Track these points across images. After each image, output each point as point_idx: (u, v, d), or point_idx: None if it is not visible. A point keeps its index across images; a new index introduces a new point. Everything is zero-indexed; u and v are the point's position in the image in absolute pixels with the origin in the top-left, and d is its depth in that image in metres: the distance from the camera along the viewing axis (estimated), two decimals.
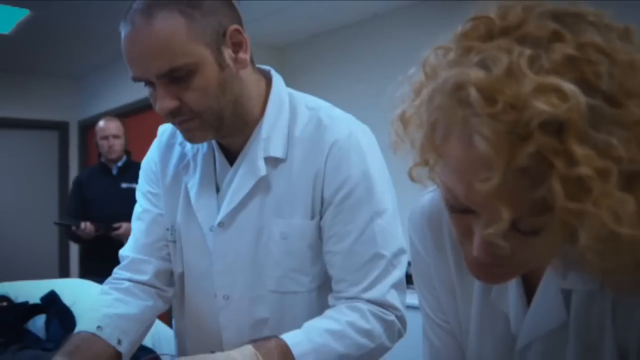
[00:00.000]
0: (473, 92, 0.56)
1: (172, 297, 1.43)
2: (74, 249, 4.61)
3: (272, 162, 1.24)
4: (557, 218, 0.57)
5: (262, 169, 1.22)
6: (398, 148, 0.72)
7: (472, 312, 0.91)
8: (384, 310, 1.20)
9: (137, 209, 1.41)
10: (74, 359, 1.11)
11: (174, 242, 1.35)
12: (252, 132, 1.25)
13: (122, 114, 5.72)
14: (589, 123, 0.55)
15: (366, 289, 1.19)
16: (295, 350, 1.10)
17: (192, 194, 1.30)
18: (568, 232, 0.59)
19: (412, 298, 3.05)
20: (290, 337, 1.12)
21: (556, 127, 0.54)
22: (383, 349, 1.23)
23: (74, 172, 6.11)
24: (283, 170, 1.23)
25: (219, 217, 1.26)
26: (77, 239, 3.98)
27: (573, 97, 0.54)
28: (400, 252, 1.23)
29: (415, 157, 0.71)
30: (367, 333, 1.17)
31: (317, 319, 1.19)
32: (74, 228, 3.84)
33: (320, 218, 1.23)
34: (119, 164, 4.01)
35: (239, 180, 1.25)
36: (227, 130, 1.22)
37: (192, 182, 1.31)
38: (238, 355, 1.03)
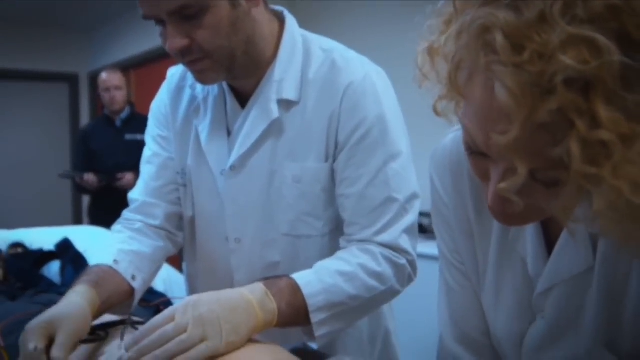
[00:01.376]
0: (499, 38, 0.53)
1: (182, 242, 1.44)
2: (87, 197, 4.67)
3: (285, 104, 1.22)
4: (573, 179, 0.54)
5: (274, 111, 1.21)
6: (423, 82, 0.69)
7: (490, 254, 0.89)
8: (396, 254, 1.20)
9: (147, 152, 1.40)
10: (99, 291, 1.11)
11: (185, 185, 1.35)
12: (264, 74, 1.23)
13: (131, 65, 5.71)
14: (622, 83, 0.50)
15: (378, 233, 1.19)
16: (305, 290, 1.10)
17: (203, 137, 1.29)
18: (585, 191, 0.56)
19: (427, 247, 3.07)
20: (301, 277, 1.12)
21: (583, 85, 0.50)
22: (393, 293, 1.24)
23: (84, 123, 6.12)
24: (296, 113, 1.22)
25: (231, 161, 1.25)
26: (82, 190, 4.03)
27: (606, 52, 0.49)
28: (413, 196, 1.22)
29: (440, 92, 0.68)
30: (377, 275, 1.17)
31: (328, 259, 1.18)
32: (77, 179, 3.89)
33: (334, 161, 1.22)
34: (123, 115, 4.00)
35: (251, 123, 1.24)
36: (239, 72, 1.20)
37: (203, 126, 1.30)
38: (248, 291, 1.03)
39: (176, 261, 4.42)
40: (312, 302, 1.10)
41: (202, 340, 0.93)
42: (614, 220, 0.56)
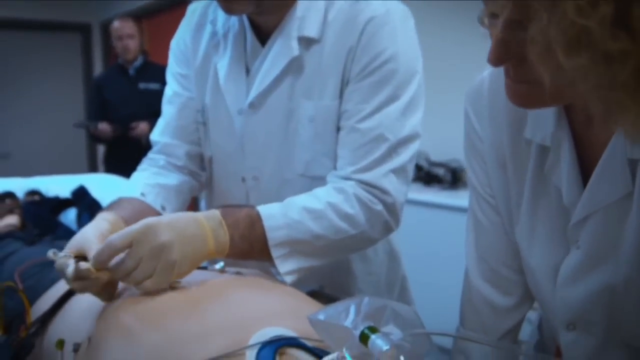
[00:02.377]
0: None
1: (204, 182, 1.44)
2: (102, 147, 4.69)
3: (305, 42, 1.20)
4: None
5: (295, 48, 1.20)
6: None
7: (525, 186, 0.89)
8: (372, 198, 1.16)
9: (167, 92, 1.39)
10: (123, 215, 1.12)
11: (204, 124, 1.35)
12: (288, 11, 1.21)
13: (144, 14, 5.65)
14: None
15: (361, 170, 1.17)
16: (267, 223, 1.09)
17: (221, 75, 1.28)
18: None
19: (448, 197, 3.03)
20: (265, 209, 1.11)
21: None
22: (367, 239, 1.21)
23: (97, 73, 6.11)
24: (315, 52, 1.20)
25: (250, 98, 1.24)
26: (97, 139, 4.05)
27: None
28: (409, 139, 1.19)
29: None
30: (348, 218, 1.14)
31: (300, 195, 1.17)
32: (91, 129, 3.90)
33: None
34: (136, 64, 3.98)
35: (271, 61, 1.22)
36: (267, 4, 1.18)
37: (222, 63, 1.28)
38: (204, 218, 1.02)
39: (192, 207, 4.45)
40: (272, 236, 1.09)
41: (154, 271, 0.94)
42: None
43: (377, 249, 1.39)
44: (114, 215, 1.11)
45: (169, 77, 1.39)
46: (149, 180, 1.29)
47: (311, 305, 0.99)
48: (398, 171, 1.18)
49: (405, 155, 1.19)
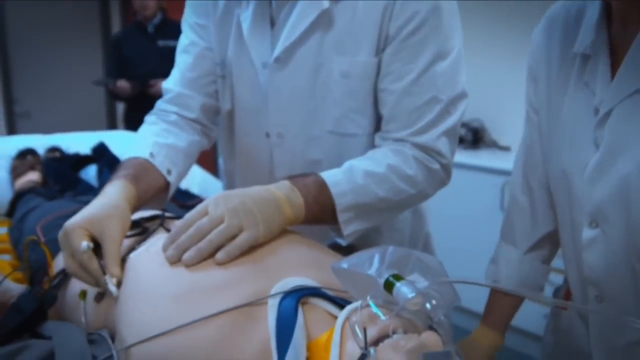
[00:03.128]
0: None
1: (215, 136, 1.42)
2: (121, 105, 4.69)
3: None
4: None
5: (324, 1, 1.15)
6: None
7: (567, 94, 0.98)
8: (429, 158, 1.17)
9: (183, 40, 1.35)
10: (138, 186, 1.11)
11: (224, 77, 1.31)
12: None
13: None
14: None
15: (416, 133, 1.16)
16: (333, 190, 1.09)
17: (245, 27, 1.23)
18: None
19: (469, 157, 2.99)
20: (330, 176, 1.11)
21: None
22: (424, 196, 1.22)
23: (116, 31, 6.07)
24: (347, 5, 1.15)
25: (276, 52, 1.20)
26: (116, 97, 4.05)
27: None
28: (459, 97, 1.17)
29: None
30: (408, 179, 1.15)
31: (358, 159, 1.16)
32: (110, 86, 3.90)
33: None
34: (154, 21, 3.94)
35: (299, 13, 1.17)
36: None
37: (245, 15, 1.23)
38: (274, 188, 1.03)
39: (211, 165, 4.45)
40: (339, 202, 1.09)
41: (240, 230, 0.93)
42: None
43: None
44: (125, 183, 1.10)
45: (185, 26, 1.35)
46: (159, 138, 1.26)
47: (333, 257, 0.99)
48: (449, 132, 1.17)
49: (455, 116, 1.17)
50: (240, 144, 1.35)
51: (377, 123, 1.22)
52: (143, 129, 1.32)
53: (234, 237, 0.93)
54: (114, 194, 1.06)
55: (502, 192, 2.99)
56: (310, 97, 1.20)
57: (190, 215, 0.97)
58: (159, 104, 1.35)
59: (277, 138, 1.25)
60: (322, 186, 1.08)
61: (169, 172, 1.21)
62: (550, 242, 1.14)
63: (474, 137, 3.57)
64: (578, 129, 0.96)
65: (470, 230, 3.04)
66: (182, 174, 1.29)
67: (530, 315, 3.12)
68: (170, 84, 1.35)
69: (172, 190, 1.25)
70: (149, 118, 1.35)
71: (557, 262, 1.15)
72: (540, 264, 1.14)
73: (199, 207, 0.97)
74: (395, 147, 1.16)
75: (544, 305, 1.03)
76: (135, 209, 1.10)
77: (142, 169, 1.17)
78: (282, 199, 1.01)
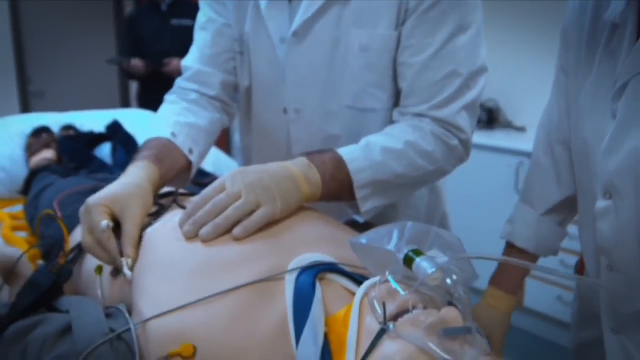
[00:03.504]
0: None
1: (235, 113, 1.42)
2: (134, 84, 4.69)
3: None
4: None
5: None
6: None
7: (595, 62, 0.97)
8: (448, 134, 1.16)
9: (201, 18, 1.34)
10: (161, 167, 1.11)
11: (242, 53, 1.30)
12: None
13: None
14: None
15: (436, 107, 1.14)
16: (351, 166, 1.08)
17: (263, 2, 1.22)
18: None
19: (484, 138, 2.96)
20: (347, 153, 1.10)
21: None
22: (442, 173, 1.21)
23: (129, 10, 6.06)
24: None
25: (294, 27, 1.19)
26: (130, 75, 4.04)
27: None
28: (479, 71, 1.16)
29: None
30: (426, 155, 1.14)
31: (376, 135, 1.15)
32: (125, 65, 3.89)
33: None
34: (168, 0, 3.94)
35: None
36: None
37: None
38: (291, 164, 1.02)
39: (224, 144, 4.44)
40: (357, 178, 1.08)
41: (258, 206, 0.92)
42: None
43: None
44: (147, 164, 1.09)
45: (203, 4, 1.34)
46: (180, 117, 1.25)
47: (350, 234, 0.98)
48: (469, 107, 1.16)
49: (475, 90, 1.16)
50: (258, 121, 1.34)
51: (396, 99, 1.20)
52: (164, 108, 1.31)
53: (251, 213, 0.92)
54: (137, 175, 1.05)
55: (517, 173, 2.97)
56: (328, 72, 1.19)
57: (207, 191, 0.96)
58: (179, 82, 1.35)
59: (295, 114, 1.24)
60: (340, 163, 1.07)
61: (190, 151, 1.21)
62: (568, 206, 1.14)
63: (489, 118, 3.54)
64: (599, 99, 0.95)
65: (484, 211, 3.02)
66: (204, 153, 1.29)
67: (543, 297, 3.13)
68: (189, 62, 1.34)
69: (194, 170, 1.25)
70: (169, 97, 1.34)
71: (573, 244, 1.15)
72: (557, 226, 1.15)
73: (216, 183, 0.97)
74: (413, 123, 1.15)
75: (566, 278, 1.03)
76: (158, 189, 1.11)
77: (165, 149, 1.16)
78: (299, 176, 1.00)
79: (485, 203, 3.12)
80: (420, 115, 1.15)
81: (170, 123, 1.22)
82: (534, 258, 1.17)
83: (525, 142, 3.00)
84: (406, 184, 1.16)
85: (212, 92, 1.32)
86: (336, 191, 1.07)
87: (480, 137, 3.24)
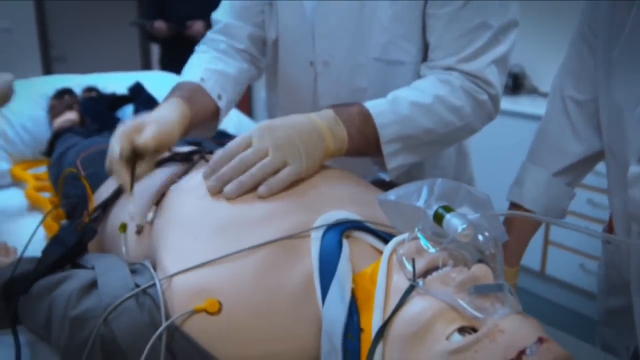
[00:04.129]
0: None
1: (263, 68, 1.40)
2: (156, 46, 4.67)
3: None
4: None
5: None
6: None
7: (629, 18, 0.92)
8: (477, 88, 1.12)
9: None
10: (191, 107, 1.10)
11: (270, 5, 1.28)
12: None
13: None
14: None
15: (464, 60, 1.11)
16: (378, 120, 1.05)
17: None
18: None
19: (509, 103, 2.92)
20: (374, 106, 1.07)
21: None
22: (471, 130, 1.18)
23: None
24: None
25: None
26: (152, 38, 4.03)
27: None
28: (510, 25, 1.12)
29: None
30: (455, 110, 1.11)
31: (404, 89, 1.12)
32: (147, 27, 3.88)
33: None
34: None
35: None
36: None
37: None
38: (317, 117, 1.00)
39: (246, 107, 4.42)
40: (384, 133, 1.06)
41: (284, 165, 0.91)
42: None
43: None
44: (179, 101, 1.08)
45: None
46: (209, 64, 1.24)
47: (376, 193, 0.96)
48: (499, 61, 1.13)
49: (505, 45, 1.12)
50: (284, 75, 1.33)
51: (425, 53, 1.17)
52: (194, 56, 1.31)
53: (276, 171, 0.91)
54: (168, 110, 1.05)
55: None
56: (357, 24, 1.16)
57: (232, 144, 0.95)
58: (209, 35, 1.34)
59: (322, 66, 1.22)
60: (366, 117, 1.05)
61: (219, 97, 1.20)
62: (583, 166, 1.10)
63: (515, 83, 3.48)
64: (634, 62, 0.91)
65: (508, 177, 2.98)
66: (232, 102, 1.27)
67: (565, 265, 3.09)
68: (219, 15, 1.34)
69: (222, 117, 1.24)
70: (200, 47, 1.34)
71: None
72: (566, 186, 1.11)
73: (242, 138, 0.95)
74: (442, 77, 1.12)
75: (594, 236, 1.01)
76: (187, 129, 1.09)
77: (194, 92, 1.16)
78: (325, 131, 0.98)
79: (509, 169, 3.08)
80: (448, 68, 1.12)
81: (199, 69, 1.22)
82: (538, 224, 1.14)
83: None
84: (434, 141, 1.13)
85: (240, 45, 1.31)
86: (362, 146, 1.05)
87: (505, 103, 3.16)
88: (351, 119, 1.03)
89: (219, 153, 0.95)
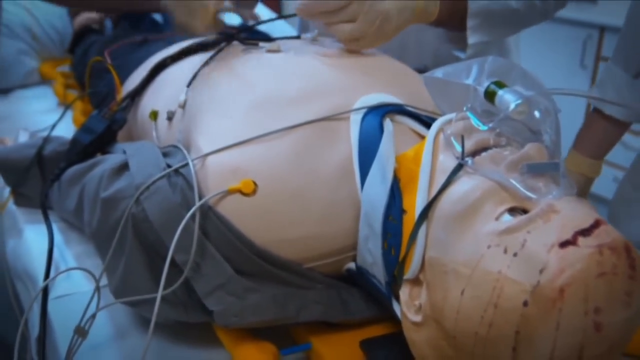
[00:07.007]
0: None
1: None
2: None
3: None
4: None
5: None
6: None
7: None
8: None
9: None
10: None
11: None
12: None
13: None
14: None
15: None
16: None
17: None
18: None
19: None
20: None
21: None
22: (545, 14, 1.11)
23: None
24: None
25: None
26: None
27: None
28: None
29: None
30: None
31: None
32: None
33: None
34: None
35: None
36: None
37: None
38: None
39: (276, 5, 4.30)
40: (472, 4, 1.00)
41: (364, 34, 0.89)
42: None
43: None
44: None
45: None
46: None
47: (420, 79, 0.91)
48: None
49: None
50: None
51: None
52: None
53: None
54: None
55: (584, 46, 2.79)
56: None
57: None
58: None
59: None
60: None
61: None
62: None
63: None
64: None
65: (548, 86, 2.89)
66: None
67: (599, 179, 3.03)
68: None
69: None
70: None
71: None
72: None
73: None
74: None
75: None
76: None
77: None
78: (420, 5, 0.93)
79: (549, 78, 2.98)
80: None
81: None
82: (622, 127, 1.09)
83: (596, 14, 2.80)
84: (513, 22, 1.09)
85: None
86: (450, 12, 0.99)
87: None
88: None
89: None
